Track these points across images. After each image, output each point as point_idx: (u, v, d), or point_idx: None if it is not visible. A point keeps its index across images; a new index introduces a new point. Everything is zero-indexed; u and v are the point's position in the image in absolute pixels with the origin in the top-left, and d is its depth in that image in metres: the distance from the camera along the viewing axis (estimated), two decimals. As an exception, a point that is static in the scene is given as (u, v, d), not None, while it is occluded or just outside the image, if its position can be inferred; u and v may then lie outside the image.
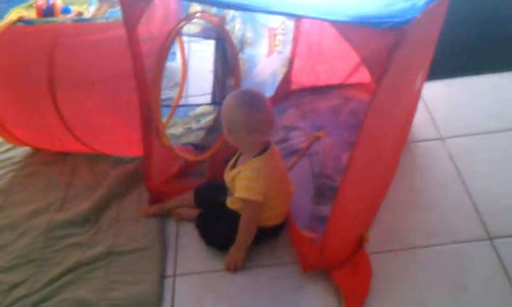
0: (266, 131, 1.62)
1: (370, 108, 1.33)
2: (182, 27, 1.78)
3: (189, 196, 1.91)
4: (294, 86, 2.45)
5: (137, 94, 1.61)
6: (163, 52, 1.66)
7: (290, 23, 2.25)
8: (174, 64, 2.49)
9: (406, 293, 1.63)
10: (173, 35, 1.69)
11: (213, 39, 2.07)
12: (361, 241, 1.72)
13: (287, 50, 2.31)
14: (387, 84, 1.31)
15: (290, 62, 2.36)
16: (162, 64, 1.67)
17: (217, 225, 1.80)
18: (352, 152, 1.41)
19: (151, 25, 1.59)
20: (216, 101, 2.21)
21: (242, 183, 1.63)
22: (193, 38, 2.69)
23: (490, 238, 1.76)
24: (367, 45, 1.25)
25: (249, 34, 2.10)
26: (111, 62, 1.78)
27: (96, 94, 1.83)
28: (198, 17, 1.84)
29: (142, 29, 1.53)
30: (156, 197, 1.98)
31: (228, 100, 1.63)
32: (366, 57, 1.27)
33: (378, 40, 1.22)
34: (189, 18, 1.76)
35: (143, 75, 1.60)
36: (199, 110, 2.27)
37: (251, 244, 1.73)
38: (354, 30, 1.25)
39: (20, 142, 2.23)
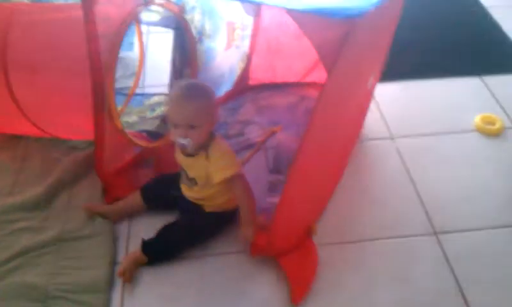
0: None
1: (322, 98, 1.36)
2: (140, 12, 1.77)
3: (136, 197, 1.87)
4: (251, 82, 2.46)
5: (91, 74, 1.59)
6: (119, 34, 1.65)
7: (249, 19, 2.27)
8: (132, 54, 2.48)
9: (355, 283, 1.68)
10: (130, 17, 1.68)
11: (172, 28, 2.07)
12: (309, 232, 1.76)
13: (245, 45, 2.33)
14: (339, 76, 1.35)
15: (248, 58, 2.38)
16: (117, 47, 1.66)
17: (181, 229, 1.77)
18: (301, 143, 1.44)
19: (108, 7, 1.58)
20: (173, 91, 2.21)
21: (220, 163, 1.64)
22: (152, 30, 2.69)
23: (435, 233, 1.83)
24: (320, 34, 1.29)
25: (207, 26, 2.11)
26: (65, 43, 1.75)
27: (50, 75, 1.79)
28: (157, 4, 1.83)
29: (99, 10, 1.52)
30: (108, 187, 1.94)
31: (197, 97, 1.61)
32: (319, 45, 1.31)
33: (331, 30, 1.26)
34: (148, 3, 1.76)
35: (97, 55, 1.58)
36: (154, 99, 2.27)
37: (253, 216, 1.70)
38: (309, 19, 1.29)
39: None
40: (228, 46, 2.26)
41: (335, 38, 1.26)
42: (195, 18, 2.03)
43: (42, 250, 1.75)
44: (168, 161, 1.94)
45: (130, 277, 1.68)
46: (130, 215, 1.89)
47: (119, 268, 1.69)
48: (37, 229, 1.82)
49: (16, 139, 2.17)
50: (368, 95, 2.09)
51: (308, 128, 1.40)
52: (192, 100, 1.59)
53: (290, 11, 1.31)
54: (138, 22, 2.07)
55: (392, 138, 2.23)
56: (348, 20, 1.23)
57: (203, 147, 1.65)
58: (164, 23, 2.01)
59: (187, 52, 2.08)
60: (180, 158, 1.73)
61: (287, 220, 1.64)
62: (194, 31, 2.04)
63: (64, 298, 1.61)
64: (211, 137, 1.67)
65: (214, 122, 1.66)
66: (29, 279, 1.65)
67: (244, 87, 2.45)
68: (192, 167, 1.71)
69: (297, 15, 1.32)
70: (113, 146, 1.86)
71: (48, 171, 2.02)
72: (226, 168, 1.64)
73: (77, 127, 1.94)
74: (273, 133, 2.21)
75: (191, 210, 1.78)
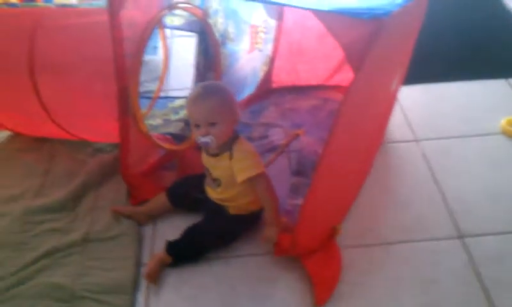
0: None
1: (347, 99, 1.37)
2: (164, 16, 1.79)
3: (162, 198, 1.89)
4: (274, 85, 2.47)
5: (116, 77, 1.63)
6: (144, 38, 1.68)
7: (272, 22, 2.28)
8: (156, 58, 2.50)
9: (380, 286, 1.67)
10: (154, 22, 1.70)
11: (196, 32, 2.09)
12: (333, 233, 1.75)
13: (268, 49, 2.34)
14: (365, 76, 1.35)
15: (271, 61, 2.39)
16: (142, 50, 1.69)
17: (209, 230, 1.78)
18: (326, 145, 1.44)
19: (134, 12, 1.61)
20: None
21: (244, 163, 1.66)
22: (176, 34, 2.72)
23: (461, 237, 1.81)
24: (347, 34, 1.30)
25: (231, 30, 2.12)
26: (90, 48, 1.79)
27: (76, 78, 1.83)
28: (181, 8, 1.85)
29: (124, 15, 1.55)
30: (133, 189, 1.96)
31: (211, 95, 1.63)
32: (346, 45, 1.32)
33: (358, 29, 1.27)
34: (171, 7, 1.78)
35: (122, 59, 1.62)
36: (178, 102, 2.28)
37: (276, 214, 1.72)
38: (336, 19, 1.30)
39: (-2, 125, 2.21)
40: (251, 49, 2.27)
41: (361, 37, 1.27)
42: (218, 22, 2.05)
43: (69, 251, 1.78)
44: (192, 163, 1.96)
45: (156, 279, 1.70)
46: (158, 216, 1.90)
47: (146, 270, 1.71)
48: (64, 231, 1.85)
49: (42, 141, 2.22)
50: (393, 97, 2.07)
51: (333, 129, 1.40)
52: (208, 98, 1.62)
53: (317, 12, 1.32)
54: (162, 26, 2.10)
55: (416, 140, 2.21)
56: (375, 19, 1.25)
57: (227, 147, 1.67)
58: (187, 27, 2.04)
59: (210, 56, 2.10)
60: (204, 158, 1.75)
61: (312, 221, 1.64)
62: (217, 35, 2.06)
63: (90, 298, 1.64)
64: (235, 137, 1.68)
65: (236, 120, 1.67)
66: (56, 279, 1.68)
67: (267, 90, 2.46)
68: (216, 167, 1.72)
69: (324, 16, 1.33)
70: (138, 148, 1.88)
71: (74, 173, 2.05)
72: (249, 168, 1.66)
73: (103, 130, 1.97)
74: (296, 136, 2.21)
75: (215, 211, 1.79)
